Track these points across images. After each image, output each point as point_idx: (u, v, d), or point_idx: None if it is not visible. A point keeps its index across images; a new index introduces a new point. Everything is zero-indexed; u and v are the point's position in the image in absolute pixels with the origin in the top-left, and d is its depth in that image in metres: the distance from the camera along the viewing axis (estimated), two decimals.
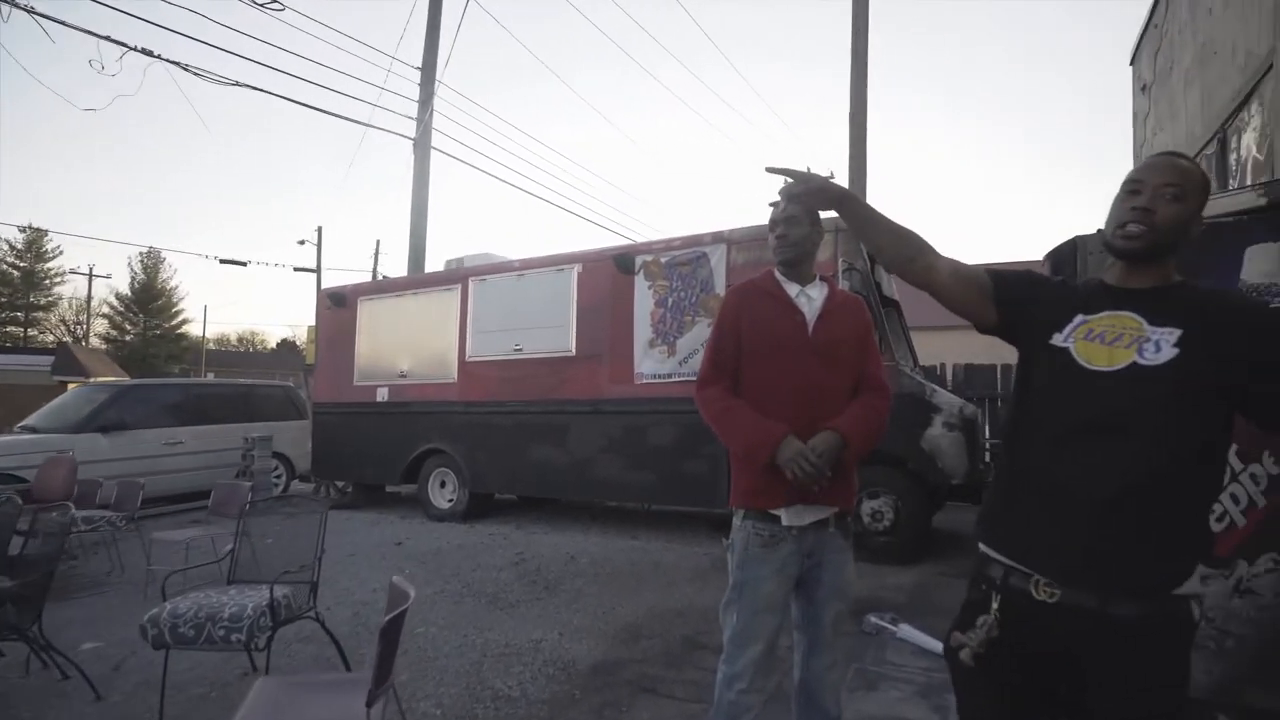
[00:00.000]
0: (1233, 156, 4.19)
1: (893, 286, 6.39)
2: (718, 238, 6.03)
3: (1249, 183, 3.69)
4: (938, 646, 3.41)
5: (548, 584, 4.77)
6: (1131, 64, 6.81)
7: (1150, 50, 6.13)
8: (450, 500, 7.49)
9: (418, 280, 8.91)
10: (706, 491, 5.84)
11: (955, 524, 6.21)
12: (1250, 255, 2.73)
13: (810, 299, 2.09)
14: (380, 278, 20.72)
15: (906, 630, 3.47)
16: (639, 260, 6.37)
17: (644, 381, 6.23)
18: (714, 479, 5.72)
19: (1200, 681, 2.76)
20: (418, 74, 11.74)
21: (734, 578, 2.01)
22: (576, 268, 6.76)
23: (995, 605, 1.28)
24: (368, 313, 8.27)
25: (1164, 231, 1.23)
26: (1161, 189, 1.23)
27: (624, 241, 10.46)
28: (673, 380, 6.05)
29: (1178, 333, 1.19)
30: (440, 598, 4.46)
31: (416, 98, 11.67)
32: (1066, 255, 3.03)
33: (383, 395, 7.97)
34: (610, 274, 6.49)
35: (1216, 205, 2.82)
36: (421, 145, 11.58)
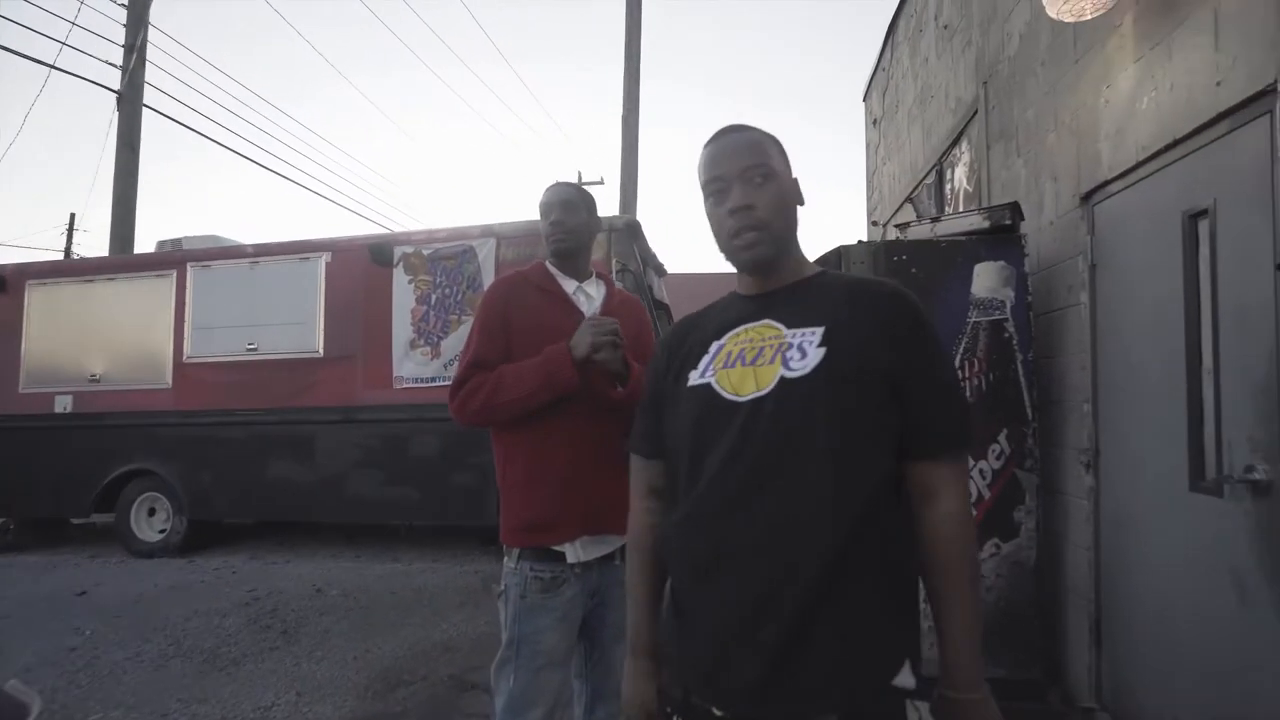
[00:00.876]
0: (948, 186, 4.81)
1: (663, 290, 6.50)
2: (486, 231, 5.64)
3: (961, 209, 4.24)
4: None
5: (286, 628, 4.04)
6: (864, 100, 7.68)
7: (879, 89, 6.94)
8: (162, 531, 6.20)
9: (115, 263, 7.26)
10: (475, 505, 5.43)
11: None
12: (978, 271, 3.06)
13: (589, 297, 1.86)
14: (76, 259, 16.90)
15: None
16: (398, 252, 5.74)
17: (404, 386, 5.63)
18: (483, 491, 5.33)
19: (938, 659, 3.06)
20: (123, 12, 9.65)
21: (509, 633, 1.71)
22: (324, 257, 5.91)
23: None
24: (40, 300, 6.53)
25: (777, 223, 1.06)
26: (746, 176, 1.05)
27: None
28: (437, 385, 5.54)
29: (820, 330, 1.01)
30: (134, 664, 3.54)
31: (121, 41, 9.58)
32: (832, 265, 3.19)
33: (64, 405, 6.35)
34: (364, 266, 5.77)
35: (952, 225, 3.12)
36: (129, 100, 9.54)
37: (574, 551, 1.71)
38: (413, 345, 5.62)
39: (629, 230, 5.66)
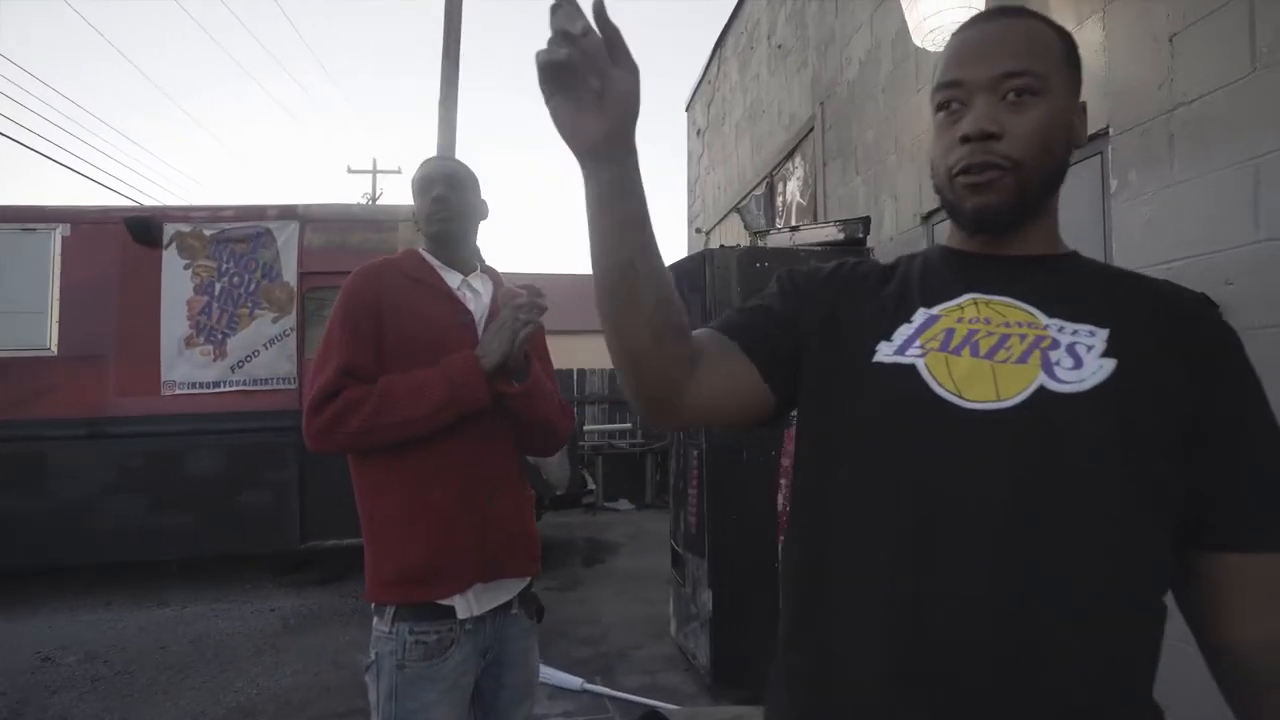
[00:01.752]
0: (779, 199, 5.02)
1: None
2: (288, 212, 4.86)
3: (795, 222, 4.43)
4: (577, 683, 3.26)
5: None
6: (687, 110, 7.87)
7: (704, 100, 7.14)
8: None
9: None
10: (269, 528, 4.65)
11: (552, 531, 6.24)
12: None
13: (477, 294, 1.55)
14: None
15: (545, 671, 3.14)
16: (170, 230, 4.74)
17: (177, 393, 4.66)
18: (279, 511, 4.58)
19: None
20: None
21: (383, 714, 1.35)
22: (59, 230, 4.70)
23: None
24: None
25: (1033, 163, 0.68)
26: (1000, 86, 0.69)
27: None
28: (222, 390, 4.67)
29: (1104, 332, 0.66)
30: None
31: None
32: (696, 268, 3.11)
33: None
34: (120, 243, 4.67)
35: (810, 235, 3.18)
36: None
37: (466, 604, 1.39)
38: (189, 343, 4.67)
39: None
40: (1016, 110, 0.69)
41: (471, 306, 1.52)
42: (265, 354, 4.68)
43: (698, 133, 7.36)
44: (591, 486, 6.56)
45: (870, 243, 3.22)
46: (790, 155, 4.71)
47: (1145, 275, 0.74)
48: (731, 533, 3.00)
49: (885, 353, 0.70)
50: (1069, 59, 0.73)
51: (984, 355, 0.66)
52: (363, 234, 4.81)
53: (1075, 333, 0.66)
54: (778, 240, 3.19)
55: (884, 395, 0.68)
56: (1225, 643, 0.65)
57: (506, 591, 1.46)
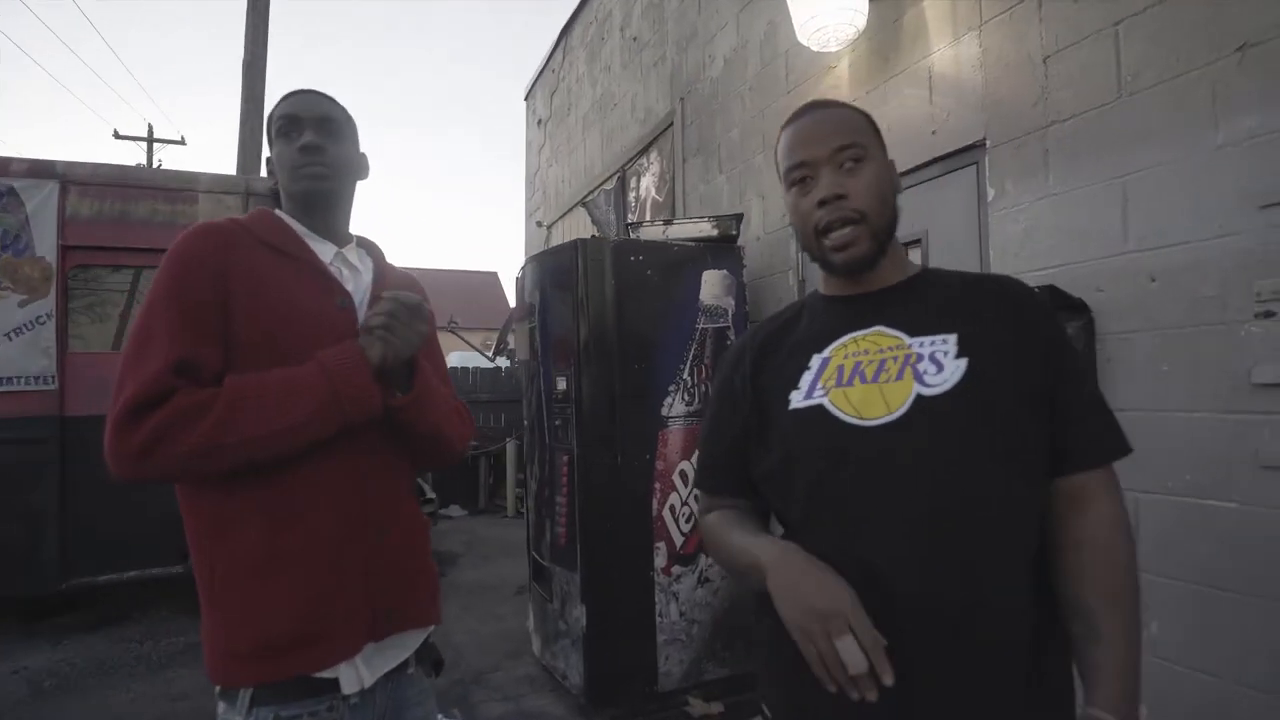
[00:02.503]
0: (632, 194, 4.92)
1: None
2: (41, 169, 3.88)
3: (650, 217, 4.35)
4: None
5: None
6: (526, 99, 7.55)
7: (546, 90, 6.87)
8: None
9: None
10: (18, 566, 3.69)
11: None
12: (705, 278, 3.08)
13: (355, 271, 1.24)
14: None
15: None
16: None
17: None
18: (33, 543, 3.67)
19: (674, 673, 3.01)
20: None
21: None
22: None
23: None
24: None
25: (876, 213, 0.90)
26: (837, 158, 0.90)
27: None
28: None
29: (953, 338, 0.86)
30: None
31: None
32: (567, 259, 2.88)
33: None
34: None
35: (683, 230, 3.09)
36: None
37: (354, 674, 1.08)
38: None
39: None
40: (853, 174, 0.91)
41: (350, 287, 1.21)
42: (9, 346, 3.70)
43: (539, 123, 7.09)
44: (431, 495, 6.05)
45: (740, 241, 3.20)
46: (645, 150, 4.63)
47: (986, 275, 0.99)
48: (606, 543, 2.83)
49: (797, 400, 0.91)
50: (875, 130, 0.97)
51: (871, 380, 0.87)
52: (151, 204, 3.97)
53: (933, 343, 0.87)
54: (651, 233, 3.06)
55: (806, 432, 0.89)
56: (1069, 541, 0.84)
57: (403, 648, 1.17)
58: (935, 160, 2.37)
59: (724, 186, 3.65)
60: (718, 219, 3.05)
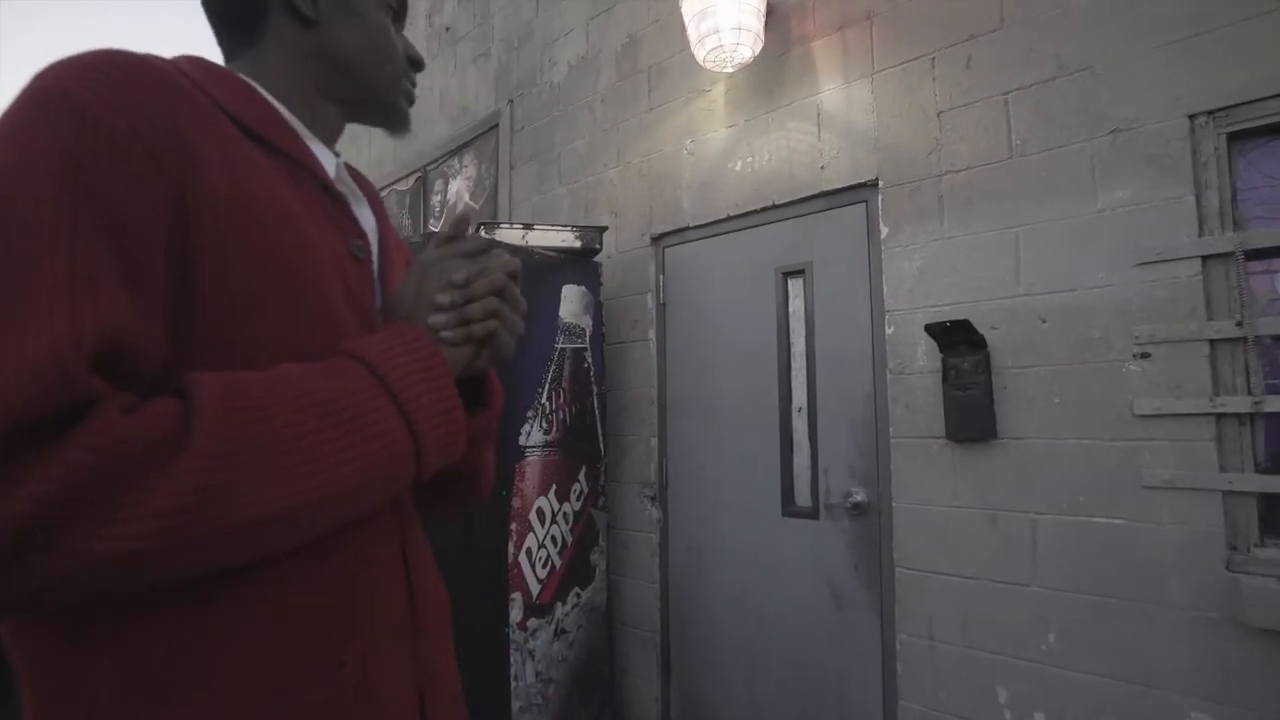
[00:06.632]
0: (436, 198, 4.40)
1: None
2: None
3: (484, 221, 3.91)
4: None
5: None
6: None
7: None
8: None
9: None
10: None
11: None
12: (565, 294, 2.82)
13: (360, 201, 0.82)
14: None
15: None
16: None
17: None
18: None
19: None
20: None
21: None
22: None
23: None
24: None
25: None
26: None
27: None
28: None
29: None
30: None
31: None
32: None
33: None
34: None
35: (544, 237, 2.80)
36: None
37: None
38: None
39: None
40: None
41: (366, 224, 0.80)
42: None
43: None
44: None
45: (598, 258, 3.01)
46: (459, 151, 4.20)
47: None
48: (455, 603, 2.36)
49: None
50: None
51: None
52: None
53: None
54: (509, 237, 2.72)
55: None
56: None
57: None
58: (822, 194, 2.44)
59: (565, 198, 3.43)
60: (580, 229, 2.82)
